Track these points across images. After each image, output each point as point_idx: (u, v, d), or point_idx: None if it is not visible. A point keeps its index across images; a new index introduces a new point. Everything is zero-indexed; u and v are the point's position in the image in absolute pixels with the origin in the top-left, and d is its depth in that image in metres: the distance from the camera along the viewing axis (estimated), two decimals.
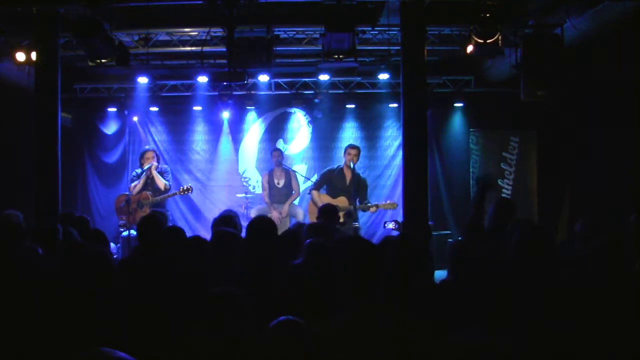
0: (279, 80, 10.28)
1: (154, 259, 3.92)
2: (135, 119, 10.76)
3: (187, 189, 8.85)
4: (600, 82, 8.07)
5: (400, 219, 10.02)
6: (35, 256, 3.49)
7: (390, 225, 7.90)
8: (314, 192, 8.59)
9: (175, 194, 8.94)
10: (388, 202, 8.74)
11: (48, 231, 4.35)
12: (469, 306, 3.07)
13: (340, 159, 10.27)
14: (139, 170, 8.80)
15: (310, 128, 10.97)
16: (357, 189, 8.24)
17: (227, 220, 4.66)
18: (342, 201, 8.27)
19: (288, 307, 2.70)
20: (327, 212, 5.52)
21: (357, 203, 8.20)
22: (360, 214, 8.67)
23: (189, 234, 4.37)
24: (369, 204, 8.32)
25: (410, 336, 2.52)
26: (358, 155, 8.48)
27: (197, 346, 2.43)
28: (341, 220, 7.69)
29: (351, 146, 8.58)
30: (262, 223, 3.89)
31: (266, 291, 3.29)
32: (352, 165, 8.33)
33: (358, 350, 2.48)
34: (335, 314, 2.62)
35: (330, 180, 8.53)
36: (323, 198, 8.39)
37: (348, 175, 8.44)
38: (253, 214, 9.51)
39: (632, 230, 4.69)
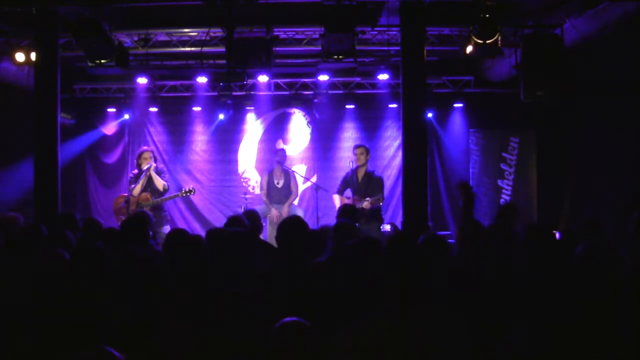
0: (279, 81, 10.27)
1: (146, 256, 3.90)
2: (126, 116, 10.65)
3: (190, 191, 8.69)
4: (600, 82, 8.07)
5: (389, 210, 10.12)
6: (63, 261, 3.45)
7: (387, 227, 7.87)
8: (335, 197, 8.64)
9: (178, 195, 8.81)
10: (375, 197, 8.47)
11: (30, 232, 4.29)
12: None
13: (340, 159, 10.30)
14: (136, 172, 8.73)
15: (310, 128, 10.97)
16: (369, 186, 8.24)
17: (236, 220, 4.68)
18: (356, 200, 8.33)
19: (308, 308, 2.68)
20: (346, 212, 5.54)
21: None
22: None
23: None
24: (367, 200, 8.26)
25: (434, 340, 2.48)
26: (364, 153, 8.46)
27: (203, 346, 2.42)
28: None
29: (355, 146, 8.61)
30: (293, 224, 3.87)
31: (292, 291, 3.29)
32: (352, 165, 8.35)
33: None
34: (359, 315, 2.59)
35: (347, 183, 8.56)
36: (339, 201, 8.46)
37: (359, 174, 8.48)
38: None
39: (633, 227, 4.70)
